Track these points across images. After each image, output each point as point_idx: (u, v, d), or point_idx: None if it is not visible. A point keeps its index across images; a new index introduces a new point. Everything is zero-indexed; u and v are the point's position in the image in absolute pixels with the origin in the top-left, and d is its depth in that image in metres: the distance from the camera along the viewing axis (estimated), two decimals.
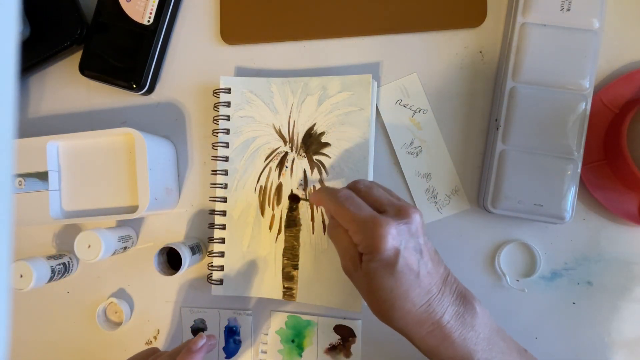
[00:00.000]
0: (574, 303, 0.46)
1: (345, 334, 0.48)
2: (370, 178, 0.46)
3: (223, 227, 0.49)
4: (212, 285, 0.49)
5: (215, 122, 0.49)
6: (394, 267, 0.32)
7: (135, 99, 0.52)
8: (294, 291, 0.48)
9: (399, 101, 0.48)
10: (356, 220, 0.34)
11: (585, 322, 0.46)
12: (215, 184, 0.49)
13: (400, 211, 0.34)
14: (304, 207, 0.48)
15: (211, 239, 0.49)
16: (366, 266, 0.33)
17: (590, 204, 0.45)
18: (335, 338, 0.49)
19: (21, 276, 0.46)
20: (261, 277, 0.48)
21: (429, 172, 0.47)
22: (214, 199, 0.49)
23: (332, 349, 0.49)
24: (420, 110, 0.47)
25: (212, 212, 0.50)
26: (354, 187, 0.37)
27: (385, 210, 0.35)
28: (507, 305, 0.46)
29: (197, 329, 0.51)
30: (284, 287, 0.48)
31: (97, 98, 0.53)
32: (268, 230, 0.48)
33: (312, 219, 0.47)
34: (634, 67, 0.45)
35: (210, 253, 0.50)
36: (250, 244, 0.49)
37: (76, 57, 0.52)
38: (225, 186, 0.49)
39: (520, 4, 0.43)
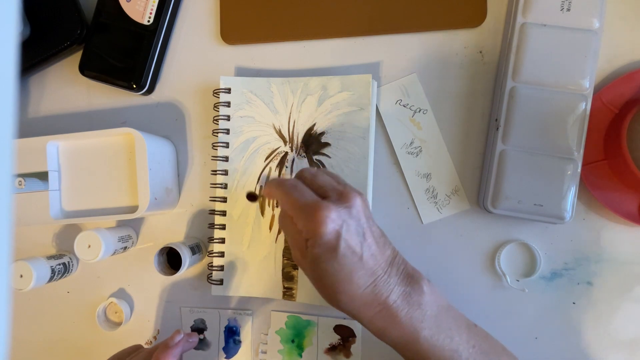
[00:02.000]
0: (574, 303, 0.46)
1: (345, 334, 0.48)
2: (370, 178, 0.46)
3: (223, 227, 0.49)
4: (212, 285, 0.49)
5: (215, 122, 0.49)
6: (336, 250, 0.33)
7: (135, 99, 0.52)
8: (294, 291, 0.48)
9: (399, 101, 0.48)
10: (299, 207, 0.34)
11: (585, 322, 0.46)
12: (215, 184, 0.49)
13: (342, 196, 0.35)
14: None
15: (211, 239, 0.49)
16: (310, 252, 0.34)
17: (590, 204, 0.45)
18: (335, 338, 0.49)
19: (21, 276, 0.46)
20: (261, 277, 0.48)
21: (429, 172, 0.47)
22: (214, 199, 0.49)
23: (332, 349, 0.49)
24: (420, 110, 0.47)
25: (212, 212, 0.50)
26: (300, 175, 0.38)
27: (328, 195, 0.35)
28: (507, 305, 0.46)
29: (197, 329, 0.51)
30: (284, 287, 0.48)
31: (97, 98, 0.53)
32: (268, 230, 0.48)
33: None
34: (634, 67, 0.45)
35: (210, 253, 0.50)
36: (250, 244, 0.49)
37: (76, 57, 0.52)
38: (225, 186, 0.49)
39: (520, 4, 0.43)
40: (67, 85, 0.53)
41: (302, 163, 0.48)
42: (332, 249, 0.33)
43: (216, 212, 0.49)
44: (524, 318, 0.46)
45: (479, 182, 0.47)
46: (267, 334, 0.50)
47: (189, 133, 0.52)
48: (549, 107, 0.42)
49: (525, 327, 0.46)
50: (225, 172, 0.49)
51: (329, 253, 0.33)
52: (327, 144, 0.47)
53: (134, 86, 0.49)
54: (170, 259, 0.49)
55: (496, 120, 0.44)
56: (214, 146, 0.49)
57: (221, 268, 0.49)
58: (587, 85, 0.42)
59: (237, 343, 0.51)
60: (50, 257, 0.50)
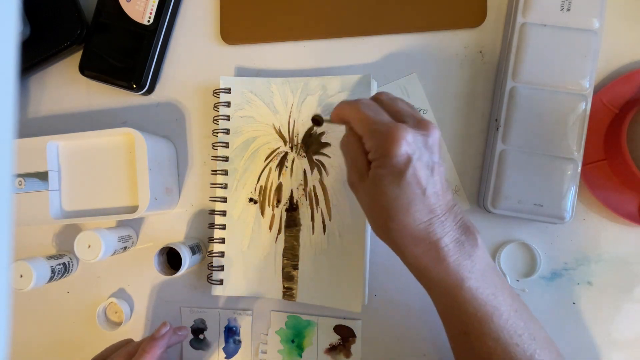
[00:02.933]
0: (574, 303, 0.46)
1: (345, 334, 0.48)
2: None
3: (223, 227, 0.49)
4: (212, 285, 0.49)
5: (215, 122, 0.49)
6: (402, 175, 0.31)
7: (135, 99, 0.52)
8: (294, 291, 0.48)
9: None
10: (373, 124, 0.32)
11: (585, 322, 0.46)
12: (215, 184, 0.49)
13: (420, 123, 0.33)
14: (304, 207, 0.48)
15: (211, 239, 0.49)
16: (374, 172, 0.32)
17: (590, 204, 0.45)
18: (335, 338, 0.49)
19: (21, 276, 0.46)
20: (261, 277, 0.48)
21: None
22: (214, 199, 0.49)
23: (332, 349, 0.49)
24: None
25: (212, 212, 0.50)
26: (377, 97, 0.36)
27: (405, 121, 0.33)
28: None
29: (197, 329, 0.51)
30: (284, 287, 0.48)
31: (97, 98, 0.53)
32: (268, 230, 0.48)
33: (312, 219, 0.47)
34: (634, 67, 0.45)
35: (210, 253, 0.50)
36: (250, 244, 0.49)
37: (76, 57, 0.52)
38: (225, 186, 0.49)
39: (520, 4, 0.43)
40: (67, 85, 0.53)
41: (302, 163, 0.48)
42: (399, 173, 0.31)
43: (216, 212, 0.49)
44: None
45: (479, 182, 0.47)
46: (267, 334, 0.50)
47: (189, 133, 0.52)
48: (549, 107, 0.42)
49: None
50: (225, 172, 0.49)
51: (394, 176, 0.31)
52: (327, 144, 0.47)
53: (134, 86, 0.49)
54: (170, 259, 0.49)
55: (496, 120, 0.44)
56: (214, 146, 0.49)
57: (221, 268, 0.49)
58: (587, 85, 0.42)
59: (237, 343, 0.51)
60: (50, 257, 0.50)
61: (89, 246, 0.46)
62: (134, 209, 0.47)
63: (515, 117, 0.43)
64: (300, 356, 0.49)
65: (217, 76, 0.50)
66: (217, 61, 0.51)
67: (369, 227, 0.46)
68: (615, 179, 0.44)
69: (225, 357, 0.51)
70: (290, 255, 0.48)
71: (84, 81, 0.52)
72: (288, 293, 0.48)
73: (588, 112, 0.42)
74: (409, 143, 0.31)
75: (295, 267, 0.48)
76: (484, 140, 0.47)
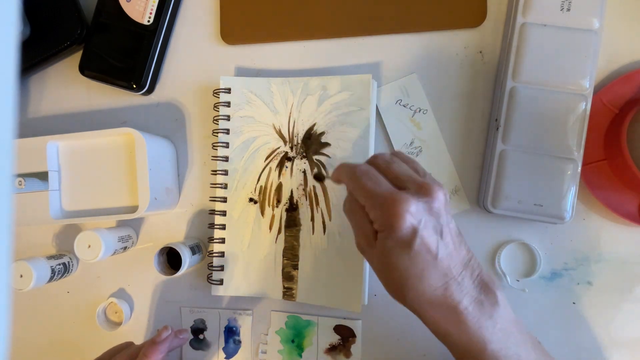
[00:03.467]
0: (574, 303, 0.46)
1: (345, 334, 0.48)
2: None
3: (223, 227, 0.49)
4: (212, 285, 0.49)
5: (215, 122, 0.49)
6: (411, 246, 0.30)
7: (135, 99, 0.52)
8: (294, 291, 0.48)
9: (399, 101, 0.48)
10: (373, 196, 0.32)
11: (585, 322, 0.46)
12: (215, 184, 0.49)
13: (422, 188, 0.32)
14: (304, 207, 0.48)
15: (211, 239, 0.49)
16: (381, 244, 0.32)
17: (590, 204, 0.45)
18: (335, 338, 0.49)
19: (21, 276, 0.46)
20: (261, 277, 0.48)
21: (429, 172, 0.47)
22: (214, 199, 0.49)
23: (332, 349, 0.49)
24: (420, 110, 0.47)
25: (212, 212, 0.50)
26: (373, 162, 0.35)
27: (405, 187, 0.32)
28: None
29: (197, 329, 0.51)
30: (284, 287, 0.48)
31: (97, 98, 0.53)
32: (268, 230, 0.48)
33: (312, 219, 0.47)
34: (634, 67, 0.45)
35: (210, 253, 0.50)
36: (250, 244, 0.49)
37: (76, 57, 0.52)
38: (225, 186, 0.49)
39: (520, 4, 0.43)
40: (67, 85, 0.53)
41: (302, 163, 0.48)
42: (407, 244, 0.31)
43: (216, 212, 0.49)
44: (524, 318, 0.46)
45: (479, 182, 0.47)
46: (267, 334, 0.50)
47: (189, 133, 0.52)
48: (549, 107, 0.42)
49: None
50: (225, 172, 0.49)
51: (402, 248, 0.31)
52: (327, 144, 0.47)
53: (134, 86, 0.49)
54: (170, 259, 0.49)
55: (496, 120, 0.44)
56: (214, 146, 0.49)
57: (221, 268, 0.49)
58: (587, 85, 0.42)
59: (237, 343, 0.51)
60: (50, 257, 0.50)
61: (89, 246, 0.46)
62: (134, 209, 0.47)
63: (515, 117, 0.43)
64: (300, 356, 0.49)
65: (217, 76, 0.50)
66: (217, 61, 0.51)
67: None
68: (615, 179, 0.44)
69: (225, 357, 0.51)
70: (290, 255, 0.48)
71: (84, 81, 0.52)
72: (288, 293, 0.48)
73: (588, 112, 0.42)
74: (412, 214, 0.30)
75: (295, 267, 0.48)
76: (484, 140, 0.47)
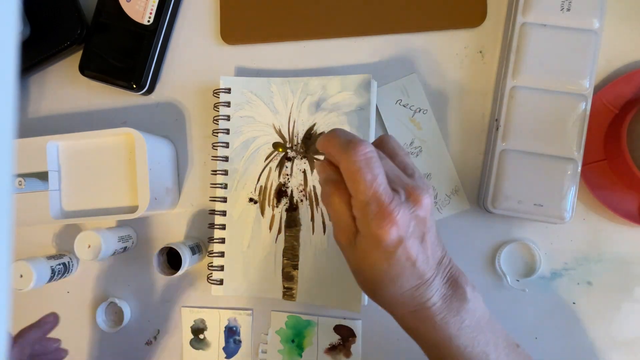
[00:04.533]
0: (574, 303, 0.46)
1: (345, 334, 0.48)
2: None
3: (223, 227, 0.49)
4: (212, 285, 0.49)
5: (215, 122, 0.49)
6: (392, 255, 0.30)
7: (135, 99, 0.52)
8: (294, 291, 0.48)
9: (399, 101, 0.48)
10: (367, 196, 0.29)
11: (585, 322, 0.46)
12: (215, 184, 0.49)
13: (412, 195, 0.30)
14: (304, 207, 0.48)
15: (211, 239, 0.49)
16: (362, 246, 0.31)
17: (590, 204, 0.45)
18: (335, 338, 0.49)
19: (21, 276, 0.46)
20: (261, 277, 0.48)
21: (429, 172, 0.47)
22: (214, 199, 0.49)
23: (332, 349, 0.49)
24: (420, 110, 0.47)
25: (212, 212, 0.50)
26: (381, 145, 0.33)
27: (395, 190, 0.30)
28: (507, 305, 0.46)
29: (197, 329, 0.51)
30: (284, 287, 0.48)
31: (97, 98, 0.53)
32: (268, 230, 0.48)
33: (312, 219, 0.47)
34: (634, 67, 0.45)
35: (210, 253, 0.50)
36: (250, 244, 0.49)
37: (76, 57, 0.52)
38: (225, 186, 0.49)
39: (520, 4, 0.43)
40: (67, 85, 0.53)
41: (302, 163, 0.48)
42: (389, 253, 0.30)
43: (216, 212, 0.49)
44: (524, 318, 0.46)
45: (479, 182, 0.47)
46: (267, 334, 0.50)
47: (189, 133, 0.52)
48: (549, 107, 0.42)
49: (525, 327, 0.46)
50: (225, 172, 0.49)
51: (383, 254, 0.30)
52: None
53: (134, 86, 0.49)
54: (170, 259, 0.49)
55: (496, 120, 0.44)
56: (214, 146, 0.49)
57: (221, 268, 0.49)
58: (587, 85, 0.42)
59: (237, 343, 0.51)
60: (50, 257, 0.50)
61: (89, 246, 0.46)
62: (134, 209, 0.47)
63: (515, 117, 0.43)
64: (300, 356, 0.49)
65: (217, 76, 0.50)
66: (217, 61, 0.51)
67: None
68: (615, 179, 0.44)
69: (225, 357, 0.51)
70: (290, 255, 0.48)
71: (84, 81, 0.52)
72: (288, 293, 0.48)
73: (588, 112, 0.42)
74: (399, 227, 0.29)
75: (295, 267, 0.48)
76: (484, 140, 0.47)
